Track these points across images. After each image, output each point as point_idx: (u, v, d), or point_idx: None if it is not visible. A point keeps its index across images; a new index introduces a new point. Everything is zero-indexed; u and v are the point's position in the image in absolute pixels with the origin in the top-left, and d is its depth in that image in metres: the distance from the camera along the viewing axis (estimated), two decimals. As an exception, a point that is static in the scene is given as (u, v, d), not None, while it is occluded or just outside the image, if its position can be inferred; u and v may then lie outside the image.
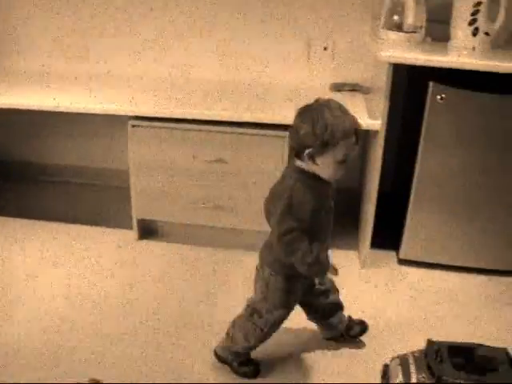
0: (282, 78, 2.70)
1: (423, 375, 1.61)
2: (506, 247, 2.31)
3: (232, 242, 2.50)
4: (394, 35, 2.34)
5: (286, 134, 2.22)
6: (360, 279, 2.32)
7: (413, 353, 1.70)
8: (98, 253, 2.46)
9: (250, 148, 2.28)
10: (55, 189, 3.07)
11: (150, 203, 2.47)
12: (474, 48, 2.21)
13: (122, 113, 2.33)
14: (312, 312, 1.89)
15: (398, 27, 2.36)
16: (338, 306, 1.90)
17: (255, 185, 2.32)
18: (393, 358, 1.73)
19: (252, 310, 1.74)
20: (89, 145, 3.05)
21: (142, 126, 2.33)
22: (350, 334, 1.94)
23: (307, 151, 1.48)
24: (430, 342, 1.69)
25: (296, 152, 1.53)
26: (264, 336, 1.75)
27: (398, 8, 2.36)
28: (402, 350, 1.73)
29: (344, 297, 1.90)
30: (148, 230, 2.61)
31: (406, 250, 2.38)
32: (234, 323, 1.79)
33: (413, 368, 1.64)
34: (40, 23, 2.80)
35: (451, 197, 2.25)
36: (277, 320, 1.73)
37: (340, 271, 1.65)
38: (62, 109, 2.35)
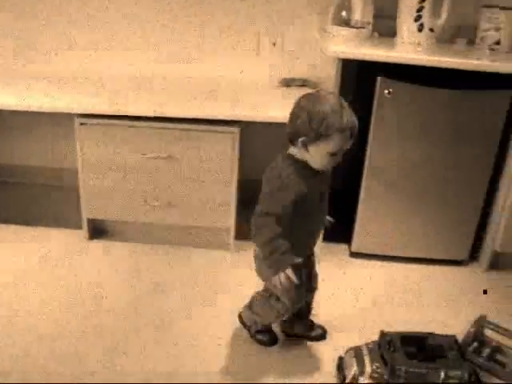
0: (231, 73, 2.69)
1: (377, 365, 1.65)
2: (451, 238, 2.38)
3: (184, 240, 2.48)
4: (342, 31, 2.37)
5: (236, 129, 2.23)
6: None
7: (367, 344, 1.74)
8: (47, 254, 2.39)
9: (200, 144, 2.27)
10: (0, 189, 2.96)
11: (100, 202, 2.42)
12: (419, 43, 2.27)
13: (69, 111, 2.27)
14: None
15: (346, 23, 2.40)
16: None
17: (206, 181, 2.31)
18: (347, 351, 1.76)
19: (270, 292, 1.78)
20: (36, 144, 2.95)
21: (89, 124, 2.28)
22: (311, 335, 1.95)
23: (301, 139, 1.51)
24: (382, 334, 1.73)
25: (290, 139, 1.56)
26: (282, 316, 1.81)
27: (345, 4, 2.39)
28: (356, 342, 1.76)
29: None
30: (98, 230, 2.56)
31: (357, 244, 2.42)
32: (254, 298, 1.86)
33: (367, 359, 1.67)
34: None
35: (399, 191, 2.30)
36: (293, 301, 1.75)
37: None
38: (4, 107, 2.27)
